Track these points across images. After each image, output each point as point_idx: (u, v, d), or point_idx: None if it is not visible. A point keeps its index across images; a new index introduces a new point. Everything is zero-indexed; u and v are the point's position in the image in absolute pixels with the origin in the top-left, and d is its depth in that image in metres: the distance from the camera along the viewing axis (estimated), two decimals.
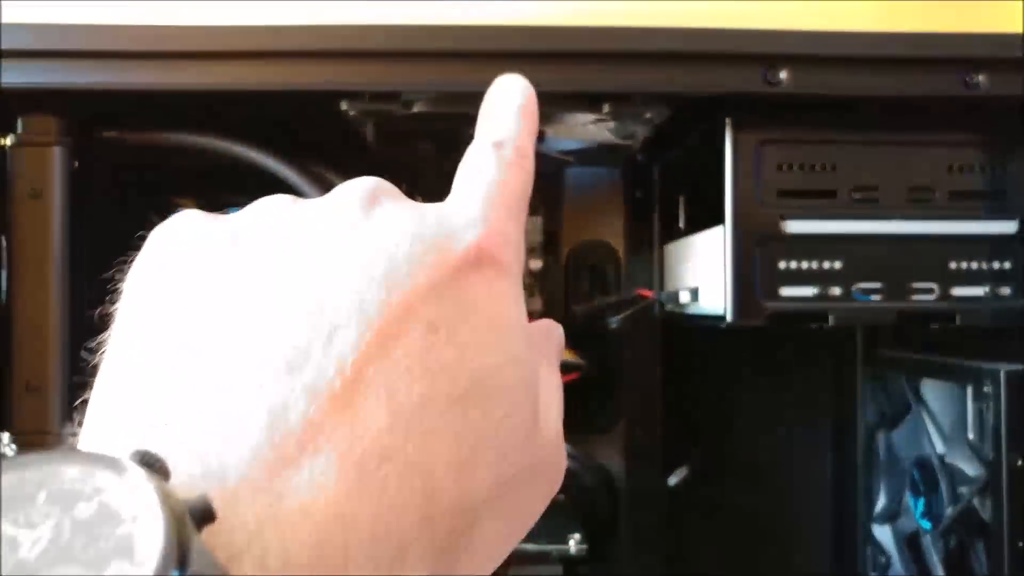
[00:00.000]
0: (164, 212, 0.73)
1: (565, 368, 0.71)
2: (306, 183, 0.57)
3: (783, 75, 0.51)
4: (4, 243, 0.51)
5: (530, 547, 0.60)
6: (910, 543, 0.68)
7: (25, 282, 0.50)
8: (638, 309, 0.68)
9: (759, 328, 0.78)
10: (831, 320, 0.54)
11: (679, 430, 0.78)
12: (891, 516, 0.71)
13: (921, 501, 0.64)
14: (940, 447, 0.63)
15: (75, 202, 0.52)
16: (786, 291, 0.55)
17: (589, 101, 0.53)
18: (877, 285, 0.55)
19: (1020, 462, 0.54)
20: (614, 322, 0.70)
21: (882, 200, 0.55)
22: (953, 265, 0.55)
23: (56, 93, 0.50)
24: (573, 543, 0.59)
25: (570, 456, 0.69)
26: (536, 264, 0.75)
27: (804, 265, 0.55)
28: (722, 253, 0.55)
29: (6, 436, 0.50)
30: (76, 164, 0.52)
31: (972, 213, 0.55)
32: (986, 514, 0.57)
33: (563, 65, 0.50)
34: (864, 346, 0.77)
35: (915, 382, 0.67)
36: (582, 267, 0.77)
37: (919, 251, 0.55)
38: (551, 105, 0.54)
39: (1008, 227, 0.55)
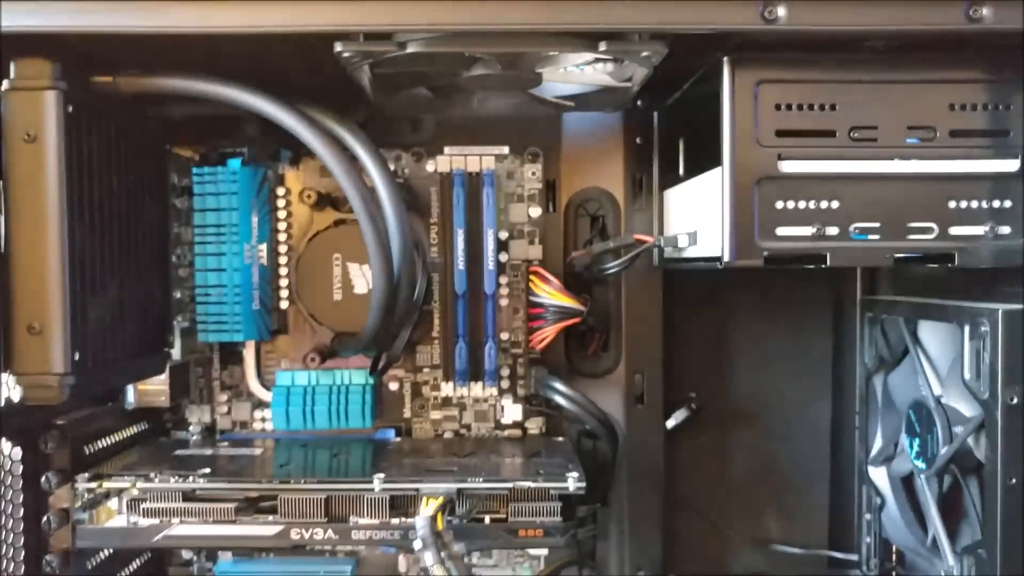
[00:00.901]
0: (161, 160, 0.73)
1: (566, 313, 0.72)
2: (304, 128, 0.57)
3: (781, 11, 0.50)
4: (0, 188, 0.51)
5: (529, 484, 0.60)
6: (905, 484, 0.69)
7: (23, 225, 0.50)
8: (637, 254, 0.68)
9: (759, 272, 0.78)
10: (829, 260, 0.54)
11: (678, 374, 0.79)
12: (887, 458, 0.72)
13: (916, 441, 0.65)
14: (937, 389, 0.64)
15: (71, 146, 0.52)
16: (783, 231, 0.54)
17: (586, 40, 0.52)
18: (875, 225, 0.55)
19: (1014, 400, 0.54)
20: (613, 267, 0.70)
21: (881, 139, 0.55)
22: (952, 204, 0.55)
23: (49, 36, 0.50)
24: (572, 481, 0.60)
25: (570, 399, 0.70)
26: (535, 211, 0.75)
27: (802, 205, 0.55)
28: (720, 194, 0.55)
29: (11, 378, 0.51)
30: (70, 109, 0.52)
31: (973, 152, 0.55)
32: (980, 453, 0.58)
33: (559, 2, 0.49)
34: (863, 291, 0.77)
35: (913, 325, 0.68)
36: (581, 215, 0.77)
37: (918, 190, 0.55)
38: (548, 44, 0.53)
39: (1010, 165, 0.55)
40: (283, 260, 0.74)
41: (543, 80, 0.61)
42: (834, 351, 0.81)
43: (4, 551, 0.59)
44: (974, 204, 0.55)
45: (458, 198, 0.71)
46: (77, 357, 0.52)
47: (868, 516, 0.75)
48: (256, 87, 0.57)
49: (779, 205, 0.55)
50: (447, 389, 0.75)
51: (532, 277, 0.73)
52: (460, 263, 0.71)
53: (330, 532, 0.61)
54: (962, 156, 0.55)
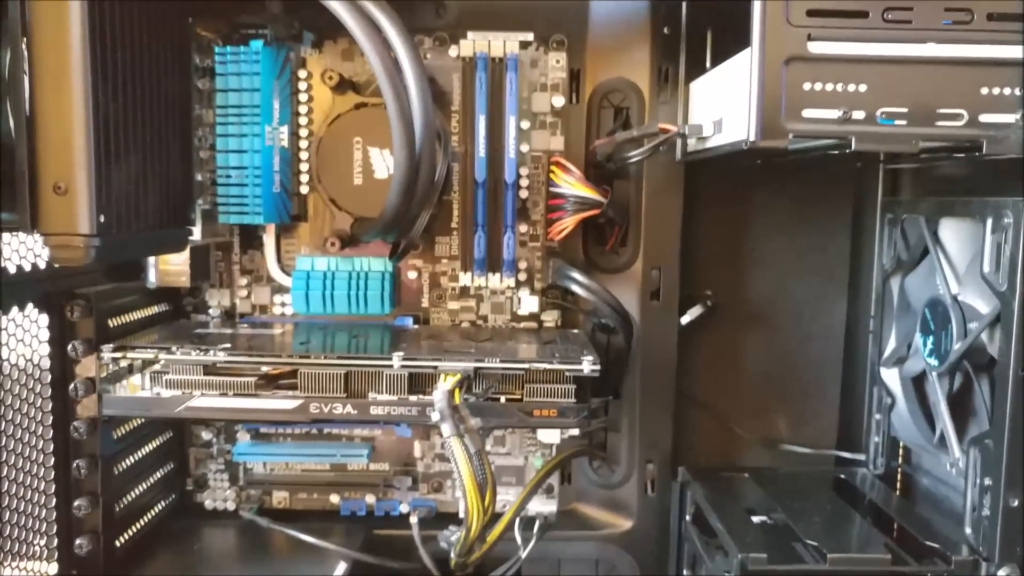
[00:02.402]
0: (184, 35, 0.71)
1: (585, 204, 0.72)
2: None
3: None
4: (25, 47, 0.50)
5: (545, 365, 0.61)
6: (915, 383, 0.70)
7: (47, 84, 0.50)
8: (660, 143, 0.67)
9: (780, 169, 0.77)
10: (854, 144, 0.54)
11: (695, 271, 0.79)
12: (899, 359, 0.72)
13: (930, 339, 0.65)
14: (954, 287, 0.64)
15: (93, 6, 0.51)
16: (810, 113, 0.54)
17: None
18: (903, 110, 0.54)
19: None
20: (635, 155, 0.69)
21: (916, 21, 0.53)
22: (985, 91, 0.54)
23: None
24: (587, 364, 0.61)
25: (586, 287, 0.71)
26: (559, 101, 0.74)
27: (829, 87, 0.54)
28: (748, 73, 0.54)
29: (36, 243, 0.51)
30: None
31: (1009, 36, 0.53)
32: (993, 349, 0.58)
33: None
34: (884, 192, 0.76)
35: (934, 225, 0.67)
36: (605, 106, 0.76)
37: (950, 75, 0.54)
38: None
39: None
40: (304, 144, 0.74)
41: None
42: (852, 253, 0.81)
43: (33, 415, 0.61)
44: (1007, 91, 0.54)
45: (480, 82, 0.70)
46: (102, 220, 0.52)
47: (878, 416, 0.76)
48: None
49: (807, 87, 0.54)
50: (465, 280, 0.75)
51: (553, 167, 0.73)
52: (481, 151, 0.70)
53: (349, 407, 0.62)
54: (998, 40, 0.53)
